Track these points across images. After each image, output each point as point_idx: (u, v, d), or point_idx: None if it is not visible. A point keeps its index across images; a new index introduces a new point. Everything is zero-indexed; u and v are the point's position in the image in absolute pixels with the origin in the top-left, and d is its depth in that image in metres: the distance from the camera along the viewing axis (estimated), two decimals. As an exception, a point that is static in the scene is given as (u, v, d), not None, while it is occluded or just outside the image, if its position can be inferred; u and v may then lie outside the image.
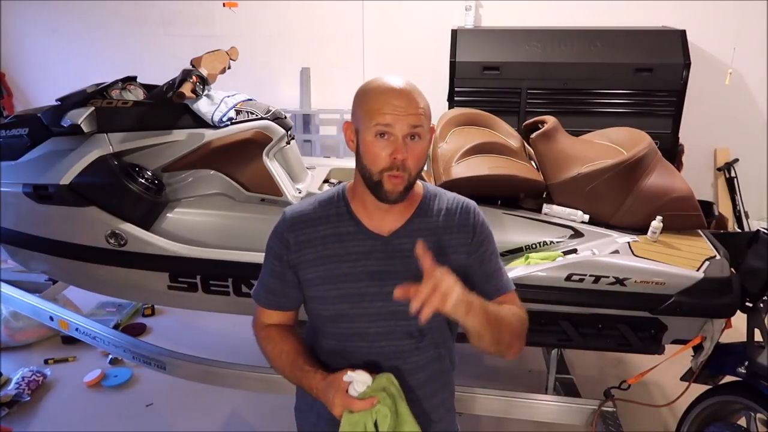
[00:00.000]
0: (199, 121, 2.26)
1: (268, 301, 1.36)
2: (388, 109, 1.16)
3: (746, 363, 1.96)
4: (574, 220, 2.20)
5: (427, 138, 1.21)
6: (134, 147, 2.26)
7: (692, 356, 2.14)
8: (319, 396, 1.20)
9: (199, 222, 2.34)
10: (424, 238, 1.24)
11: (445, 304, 1.05)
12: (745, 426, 2.06)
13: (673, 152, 3.60)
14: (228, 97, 2.35)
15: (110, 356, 3.01)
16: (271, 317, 1.37)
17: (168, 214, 2.34)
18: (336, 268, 1.26)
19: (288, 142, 2.41)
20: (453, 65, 3.68)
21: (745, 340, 2.03)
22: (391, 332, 1.28)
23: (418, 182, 1.29)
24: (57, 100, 2.33)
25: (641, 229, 2.16)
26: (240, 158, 2.32)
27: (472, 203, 1.35)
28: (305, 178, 2.55)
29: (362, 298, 1.26)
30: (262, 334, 1.37)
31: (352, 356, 1.28)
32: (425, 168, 2.40)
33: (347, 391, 1.15)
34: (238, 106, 2.33)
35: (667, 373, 2.27)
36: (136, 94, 2.42)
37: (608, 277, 1.94)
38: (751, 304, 2.02)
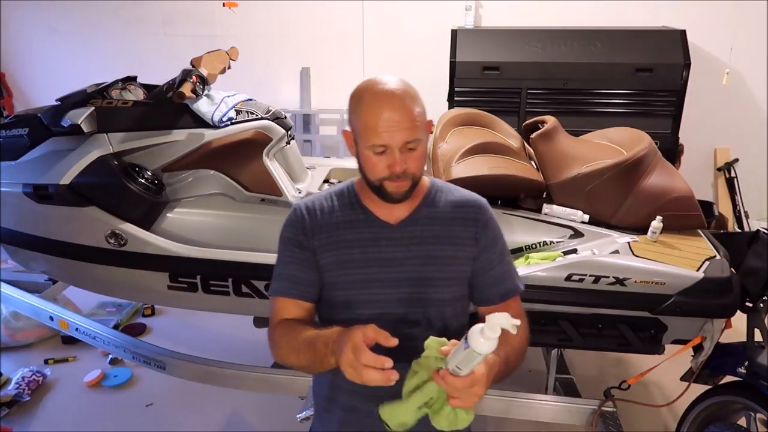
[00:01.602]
0: (199, 121, 2.26)
1: (297, 292, 1.28)
2: (382, 126, 1.15)
3: (746, 363, 1.96)
4: (574, 220, 2.20)
5: (424, 141, 1.22)
6: (134, 147, 2.26)
7: (692, 356, 2.13)
8: (340, 346, 1.04)
9: (199, 222, 2.33)
10: (431, 226, 1.29)
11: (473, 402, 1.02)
12: (745, 426, 2.06)
13: (673, 152, 3.59)
14: (228, 97, 2.35)
15: (110, 356, 3.01)
16: (292, 311, 1.28)
17: (168, 214, 2.33)
18: (347, 254, 1.28)
19: (288, 142, 2.41)
20: (453, 65, 3.67)
21: (745, 340, 2.03)
22: (400, 319, 1.27)
23: (424, 177, 1.32)
24: (57, 100, 2.33)
25: (641, 229, 2.15)
26: (240, 158, 2.32)
27: (482, 200, 1.35)
28: (305, 178, 2.55)
29: (371, 284, 1.27)
30: (278, 330, 1.25)
31: None
32: (425, 168, 2.41)
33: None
34: (238, 106, 2.34)
35: (667, 373, 2.27)
36: (136, 94, 2.42)
37: (608, 277, 1.94)
38: (751, 304, 2.01)
